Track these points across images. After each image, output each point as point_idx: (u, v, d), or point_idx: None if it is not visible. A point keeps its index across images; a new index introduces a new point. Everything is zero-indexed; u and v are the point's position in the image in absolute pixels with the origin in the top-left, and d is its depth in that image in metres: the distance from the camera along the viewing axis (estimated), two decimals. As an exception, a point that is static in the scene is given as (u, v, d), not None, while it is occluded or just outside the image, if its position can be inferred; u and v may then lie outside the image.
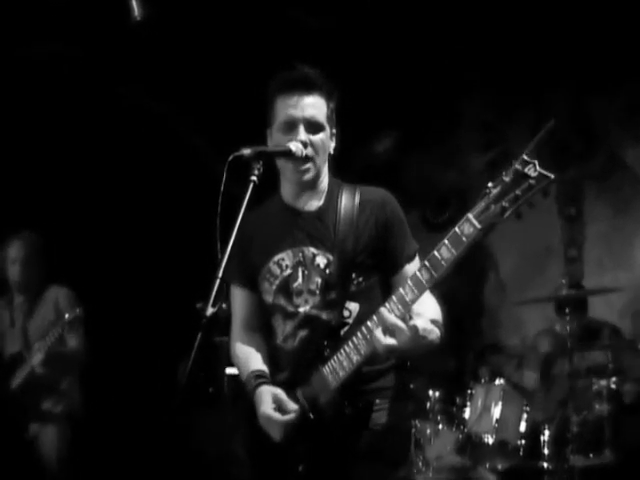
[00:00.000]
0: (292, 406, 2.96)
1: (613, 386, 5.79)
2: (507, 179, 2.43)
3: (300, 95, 3.00)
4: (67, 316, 5.37)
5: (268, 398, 3.00)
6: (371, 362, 2.91)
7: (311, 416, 2.92)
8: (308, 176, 3.06)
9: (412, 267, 2.98)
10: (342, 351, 2.87)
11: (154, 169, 7.47)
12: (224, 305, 2.53)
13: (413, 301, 2.65)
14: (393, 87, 7.37)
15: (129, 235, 7.34)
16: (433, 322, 2.84)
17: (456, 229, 2.50)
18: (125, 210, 7.39)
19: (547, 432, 5.77)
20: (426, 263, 2.58)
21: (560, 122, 7.26)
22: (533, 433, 5.83)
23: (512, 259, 7.58)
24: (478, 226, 2.45)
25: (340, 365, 2.87)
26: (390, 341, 2.67)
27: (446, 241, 2.52)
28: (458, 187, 8.00)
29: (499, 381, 6.01)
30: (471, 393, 6.01)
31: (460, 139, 8.09)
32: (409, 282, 2.64)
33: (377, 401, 3.01)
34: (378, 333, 2.69)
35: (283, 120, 3.02)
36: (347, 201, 3.10)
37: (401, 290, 2.67)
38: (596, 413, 5.76)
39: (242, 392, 3.21)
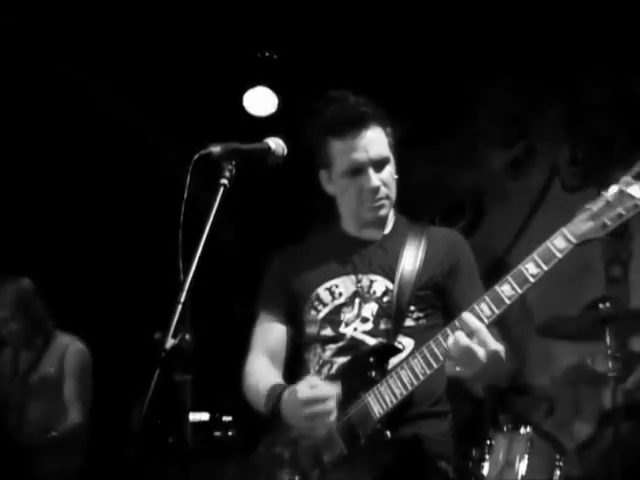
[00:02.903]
0: (331, 387, 3.09)
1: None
2: (610, 197, 2.83)
3: (358, 135, 3.34)
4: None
5: (302, 386, 3.10)
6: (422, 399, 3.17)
7: (344, 451, 3.06)
8: (384, 212, 3.45)
9: None
10: (393, 374, 3.06)
11: (102, 167, 7.52)
12: (187, 336, 2.56)
13: (489, 318, 2.86)
14: (399, 72, 7.42)
15: (70, 248, 7.37)
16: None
17: (548, 243, 2.82)
18: (66, 216, 7.43)
19: (586, 492, 5.79)
20: (509, 278, 2.85)
21: (600, 112, 7.34)
22: (568, 494, 5.86)
23: (542, 280, 7.57)
24: (574, 241, 2.80)
25: (389, 391, 3.05)
26: (474, 346, 2.77)
27: (535, 255, 2.83)
28: (475, 189, 8.06)
29: (525, 429, 5.98)
30: (490, 444, 5.99)
31: (477, 133, 8.14)
32: (486, 298, 2.87)
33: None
34: (459, 334, 2.81)
35: (348, 166, 3.37)
36: (414, 234, 3.49)
37: (475, 306, 2.88)
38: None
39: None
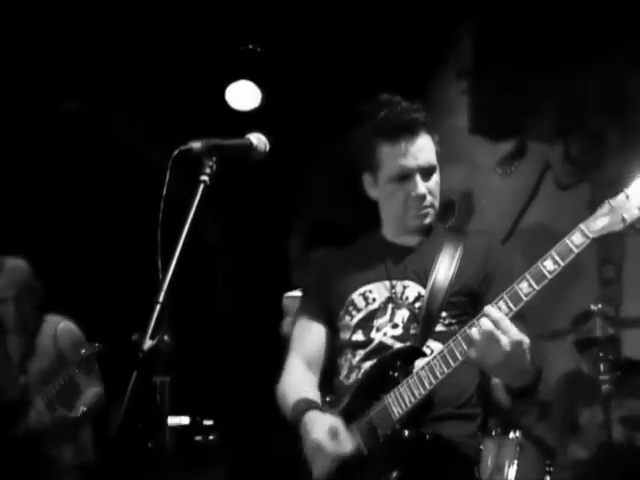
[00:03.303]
0: (350, 442, 3.19)
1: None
2: (630, 192, 2.91)
3: (408, 141, 3.41)
4: (83, 351, 5.69)
5: (323, 424, 3.23)
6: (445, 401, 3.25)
7: (365, 451, 3.19)
8: (428, 220, 3.53)
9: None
10: (414, 375, 3.16)
11: (82, 163, 7.51)
12: (166, 337, 2.57)
13: (507, 315, 2.95)
14: (386, 65, 7.43)
15: (48, 245, 7.36)
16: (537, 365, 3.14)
17: (566, 239, 2.93)
18: (44, 213, 7.43)
19: (576, 499, 5.80)
20: (527, 275, 2.95)
21: (594, 107, 7.37)
22: (558, 500, 5.86)
23: None
24: (590, 235, 2.91)
25: (409, 391, 3.15)
26: (497, 332, 2.87)
27: (553, 252, 2.94)
28: (464, 187, 8.08)
29: (514, 434, 6.00)
30: (479, 449, 6.00)
31: (467, 127, 8.18)
32: (505, 296, 2.98)
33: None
34: (484, 320, 2.91)
35: (396, 172, 3.43)
36: (451, 241, 3.56)
37: (494, 304, 3.00)
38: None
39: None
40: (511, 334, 2.87)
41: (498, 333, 2.86)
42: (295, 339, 3.72)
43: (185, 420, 6.96)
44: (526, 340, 2.92)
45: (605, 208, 2.94)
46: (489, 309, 2.93)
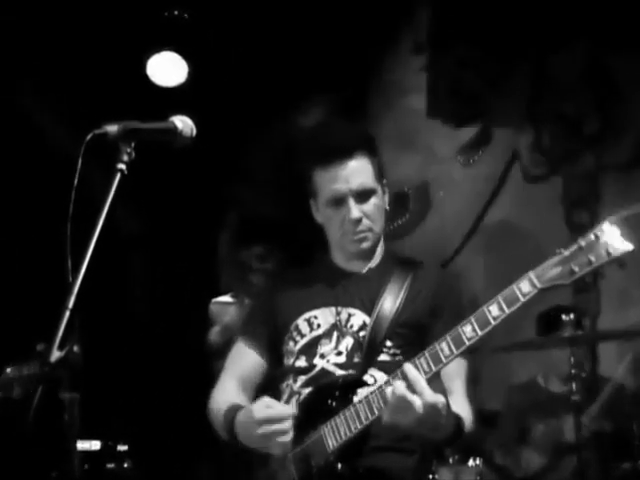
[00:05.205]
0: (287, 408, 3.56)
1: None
2: (583, 243, 3.10)
3: (340, 164, 3.74)
4: None
5: (256, 408, 3.48)
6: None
7: None
8: (366, 244, 3.85)
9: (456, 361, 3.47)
10: (351, 408, 3.44)
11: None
12: (75, 348, 2.57)
13: (447, 358, 3.24)
14: (326, 36, 7.46)
15: None
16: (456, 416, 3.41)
17: (513, 286, 3.16)
18: None
19: (542, 534, 5.86)
20: (472, 319, 3.20)
21: (569, 91, 7.45)
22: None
23: (497, 288, 7.58)
24: (538, 285, 3.12)
25: (345, 424, 3.43)
26: (410, 396, 3.11)
27: (500, 297, 3.17)
28: (419, 178, 8.13)
29: (474, 461, 6.03)
30: (433, 479, 6.04)
31: (423, 109, 8.23)
32: (448, 337, 3.24)
33: None
34: (398, 383, 3.17)
35: (330, 196, 3.79)
36: (401, 271, 3.89)
37: (437, 345, 3.27)
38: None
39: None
40: (425, 396, 3.11)
41: (410, 396, 3.10)
42: (229, 360, 4.06)
43: (96, 445, 6.93)
44: (441, 400, 3.15)
45: (557, 257, 3.11)
46: (407, 368, 3.19)
